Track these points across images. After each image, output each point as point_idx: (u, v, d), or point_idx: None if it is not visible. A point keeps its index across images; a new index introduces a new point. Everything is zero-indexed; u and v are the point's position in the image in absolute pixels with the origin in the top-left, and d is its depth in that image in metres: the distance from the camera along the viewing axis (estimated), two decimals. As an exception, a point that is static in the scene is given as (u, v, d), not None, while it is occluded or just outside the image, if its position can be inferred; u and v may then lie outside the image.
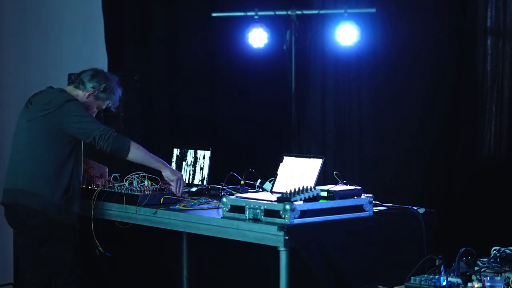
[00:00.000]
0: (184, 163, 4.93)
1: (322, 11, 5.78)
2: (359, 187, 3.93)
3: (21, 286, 5.04)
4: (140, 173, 4.50)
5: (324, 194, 3.81)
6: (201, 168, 4.84)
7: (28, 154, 4.30)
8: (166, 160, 4.62)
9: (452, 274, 3.05)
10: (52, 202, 4.23)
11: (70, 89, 4.47)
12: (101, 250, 4.46)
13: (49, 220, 4.25)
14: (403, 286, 3.06)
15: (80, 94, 4.44)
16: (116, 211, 4.43)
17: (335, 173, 4.08)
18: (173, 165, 4.96)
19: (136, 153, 4.32)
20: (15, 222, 4.37)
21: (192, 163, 4.90)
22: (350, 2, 5.72)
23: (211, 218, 3.92)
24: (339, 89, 6.04)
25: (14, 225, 4.41)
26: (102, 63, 5.81)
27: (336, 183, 4.01)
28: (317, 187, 3.81)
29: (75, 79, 4.49)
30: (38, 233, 4.30)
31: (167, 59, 6.21)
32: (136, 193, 4.35)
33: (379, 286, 3.10)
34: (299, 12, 5.69)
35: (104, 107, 4.54)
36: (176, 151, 5.02)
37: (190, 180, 4.87)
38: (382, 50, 5.71)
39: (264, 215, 3.68)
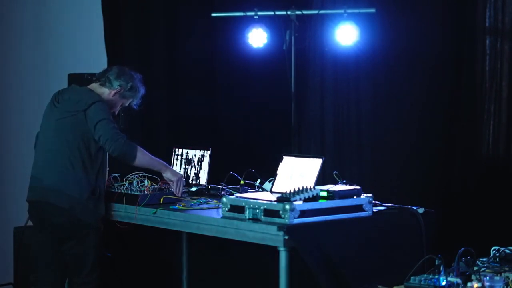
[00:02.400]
0: (184, 163, 4.93)
1: (321, 11, 5.78)
2: (358, 187, 3.93)
3: (28, 285, 5.04)
4: (140, 173, 4.51)
5: (324, 194, 3.82)
6: (201, 168, 4.85)
7: (56, 153, 4.32)
8: (166, 160, 4.62)
9: (451, 274, 3.05)
10: (80, 201, 4.25)
11: (95, 86, 4.50)
12: (101, 250, 4.47)
13: (75, 219, 4.26)
14: (402, 286, 3.07)
15: (106, 92, 4.48)
16: (116, 211, 4.44)
17: (335, 173, 4.08)
18: (173, 165, 4.97)
19: (142, 158, 4.38)
20: (40, 219, 4.38)
21: (192, 163, 4.90)
22: (350, 2, 5.71)
23: (211, 218, 3.93)
24: (339, 89, 6.03)
25: (38, 223, 4.41)
26: (102, 63, 5.80)
27: (335, 183, 4.02)
28: (316, 187, 3.82)
29: (100, 77, 4.53)
30: (62, 232, 4.31)
31: (167, 59, 6.21)
32: (136, 193, 4.35)
33: (378, 286, 3.11)
34: (298, 12, 5.69)
35: (127, 104, 4.60)
36: (176, 151, 5.02)
37: (190, 180, 4.87)
38: (381, 50, 5.71)
39: (264, 215, 3.69)
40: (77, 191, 4.26)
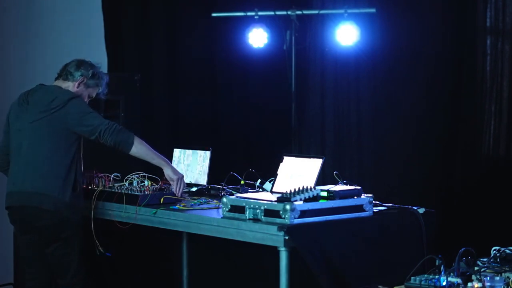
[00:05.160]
0: (184, 163, 4.93)
1: (322, 11, 5.78)
2: (359, 187, 3.93)
3: (21, 286, 5.03)
4: (140, 173, 4.51)
5: (324, 194, 3.81)
6: (201, 168, 4.84)
7: (35, 155, 4.27)
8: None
9: (452, 274, 3.06)
10: (64, 201, 4.22)
11: (60, 83, 4.46)
12: (101, 250, 4.46)
13: (61, 219, 4.23)
14: (403, 286, 3.07)
15: (70, 85, 4.44)
16: (116, 211, 4.43)
17: (335, 173, 4.08)
18: (174, 165, 4.97)
19: (139, 147, 4.29)
20: (24, 224, 4.33)
21: (192, 163, 4.90)
22: (350, 2, 5.72)
23: (211, 218, 3.93)
24: (339, 89, 6.04)
25: (23, 227, 4.36)
26: (102, 63, 5.79)
27: (336, 183, 4.02)
28: (317, 187, 3.82)
29: (61, 72, 4.48)
30: (48, 234, 4.27)
31: (167, 59, 6.22)
32: (136, 193, 4.35)
33: (379, 286, 3.11)
34: (299, 12, 5.69)
35: (94, 95, 4.54)
36: (176, 151, 5.02)
37: (191, 180, 4.87)
38: (381, 50, 5.71)
39: (264, 215, 3.68)
40: (60, 190, 4.22)
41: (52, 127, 4.27)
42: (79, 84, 4.44)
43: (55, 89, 4.41)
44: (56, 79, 4.49)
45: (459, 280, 3.01)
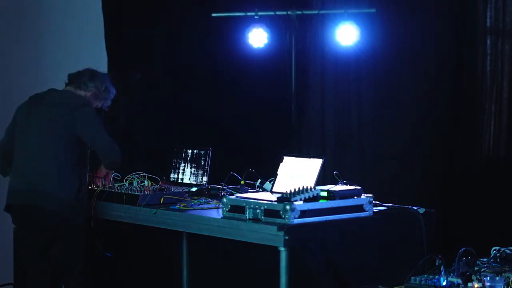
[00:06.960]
0: (184, 163, 4.93)
1: (322, 11, 5.78)
2: (359, 187, 3.93)
3: (22, 286, 5.04)
4: (140, 173, 4.52)
5: (324, 194, 3.81)
6: (201, 168, 4.84)
7: (41, 155, 4.30)
8: (165, 160, 4.60)
9: (452, 274, 3.06)
10: (68, 201, 4.24)
11: (71, 89, 4.50)
12: (101, 250, 4.47)
13: (65, 219, 4.25)
14: (403, 286, 3.07)
15: (82, 94, 4.48)
16: (116, 211, 4.43)
17: (335, 173, 4.08)
18: (174, 165, 4.98)
19: None
20: (27, 223, 4.34)
21: (192, 163, 4.90)
22: (350, 2, 5.72)
23: (211, 218, 3.93)
24: (339, 89, 6.04)
25: (26, 227, 4.38)
26: (102, 63, 5.81)
27: (336, 183, 4.02)
28: (317, 187, 3.82)
29: (74, 80, 4.51)
30: (51, 234, 4.29)
31: (167, 59, 6.21)
32: (136, 193, 4.35)
33: (379, 286, 3.11)
34: (299, 12, 5.69)
35: (99, 106, 4.58)
36: (176, 151, 5.02)
37: (191, 180, 4.87)
38: (381, 50, 5.71)
39: (264, 215, 3.69)
40: (65, 191, 4.24)
41: (61, 128, 4.31)
42: (90, 95, 4.48)
43: (68, 93, 4.46)
44: (67, 85, 4.53)
45: (459, 280, 3.01)
